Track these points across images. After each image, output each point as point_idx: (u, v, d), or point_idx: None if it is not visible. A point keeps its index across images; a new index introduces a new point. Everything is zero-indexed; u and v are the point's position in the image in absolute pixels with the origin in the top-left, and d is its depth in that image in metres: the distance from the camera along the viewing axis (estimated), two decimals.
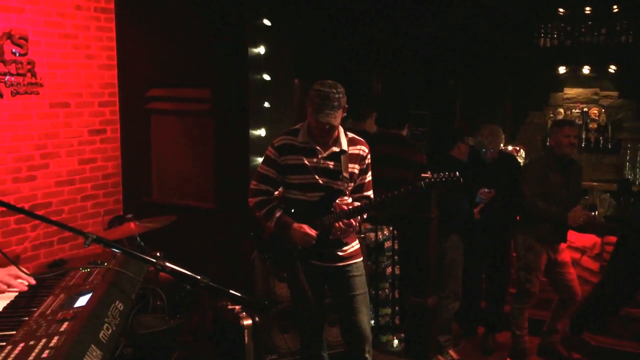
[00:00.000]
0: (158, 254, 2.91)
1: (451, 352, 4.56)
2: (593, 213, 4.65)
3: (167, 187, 5.31)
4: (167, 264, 2.04)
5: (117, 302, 2.04)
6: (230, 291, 2.07)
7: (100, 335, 1.78)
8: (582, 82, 6.57)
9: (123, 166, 5.42)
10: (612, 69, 6.29)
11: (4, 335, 1.83)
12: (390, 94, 7.12)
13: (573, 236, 4.60)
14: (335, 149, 3.17)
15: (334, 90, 3.00)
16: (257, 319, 3.80)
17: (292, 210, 3.24)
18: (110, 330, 1.85)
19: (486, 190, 4.60)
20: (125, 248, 2.08)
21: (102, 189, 5.27)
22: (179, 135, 5.18)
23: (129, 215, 3.91)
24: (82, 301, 2.01)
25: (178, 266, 2.13)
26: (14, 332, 1.84)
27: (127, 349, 2.03)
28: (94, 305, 1.96)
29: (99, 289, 2.12)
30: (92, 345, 1.70)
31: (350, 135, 3.25)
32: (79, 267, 2.42)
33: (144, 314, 2.42)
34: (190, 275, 2.05)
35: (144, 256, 2.07)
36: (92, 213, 5.17)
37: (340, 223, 3.11)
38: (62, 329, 1.78)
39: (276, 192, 3.37)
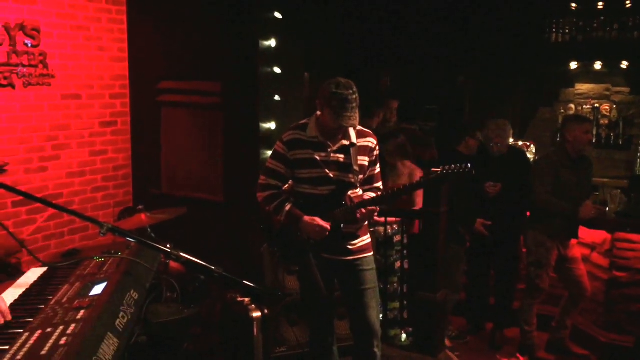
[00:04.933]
0: (168, 245, 2.91)
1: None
2: (606, 208, 4.64)
3: (177, 180, 5.32)
4: (182, 254, 2.04)
5: (132, 291, 2.05)
6: (245, 282, 2.07)
7: (117, 324, 1.80)
8: (593, 77, 6.53)
9: (133, 158, 5.45)
10: (624, 64, 6.24)
11: (21, 322, 1.85)
12: (400, 88, 7.11)
13: (583, 232, 4.58)
14: (345, 142, 3.16)
15: (351, 92, 2.98)
16: (266, 311, 3.80)
17: (303, 204, 3.23)
18: (126, 319, 1.86)
19: (491, 183, 4.60)
20: (140, 238, 2.09)
21: (113, 180, 5.30)
22: (189, 127, 5.19)
23: (140, 207, 3.92)
24: (98, 290, 2.02)
25: (191, 257, 2.13)
26: (31, 320, 1.85)
27: (142, 338, 2.04)
28: (109, 294, 1.98)
29: (114, 278, 2.13)
30: (109, 333, 1.71)
31: (359, 127, 3.24)
32: (94, 256, 2.43)
33: (158, 303, 2.43)
34: (205, 265, 2.05)
35: (159, 246, 2.08)
36: (102, 204, 5.20)
37: (363, 209, 3.09)
38: (78, 317, 1.79)
39: (285, 186, 3.37)
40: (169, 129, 5.29)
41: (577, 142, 4.32)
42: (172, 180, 5.36)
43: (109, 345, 1.65)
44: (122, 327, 1.80)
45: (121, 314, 1.86)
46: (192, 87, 5.12)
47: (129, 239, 2.16)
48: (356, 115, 3.02)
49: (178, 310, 2.30)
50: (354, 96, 2.98)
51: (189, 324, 2.58)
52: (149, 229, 3.86)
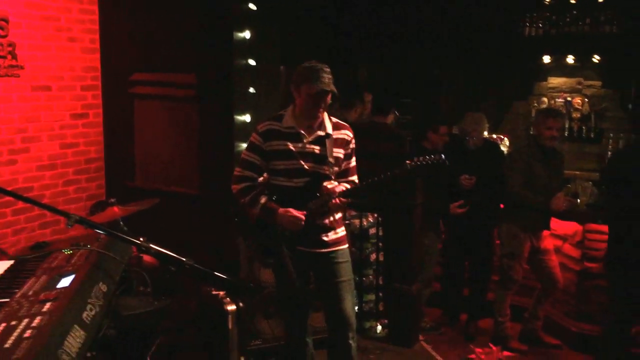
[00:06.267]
0: (141, 239, 2.88)
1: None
2: (577, 200, 4.70)
3: (151, 173, 5.26)
4: (152, 246, 2.02)
5: (101, 284, 2.02)
6: (215, 273, 2.05)
7: (84, 316, 1.77)
8: (566, 71, 6.60)
9: (106, 151, 5.37)
10: (596, 58, 6.33)
11: None
12: (376, 81, 7.11)
13: (555, 224, 4.64)
14: (321, 133, 3.15)
15: (325, 65, 3.04)
16: (240, 304, 3.79)
17: (278, 197, 3.21)
18: (93, 312, 1.83)
19: (467, 176, 4.63)
20: (109, 229, 2.05)
21: (85, 173, 5.22)
22: (162, 120, 5.13)
23: (112, 200, 3.86)
24: (65, 282, 1.99)
25: (161, 249, 2.11)
26: None
27: (110, 330, 2.01)
28: (77, 286, 1.94)
29: (82, 271, 2.09)
30: (75, 326, 1.68)
31: (335, 120, 3.24)
32: (62, 248, 2.39)
33: (128, 296, 2.39)
34: (175, 257, 2.03)
35: (129, 238, 2.05)
36: (74, 198, 5.12)
37: (337, 200, 3.09)
38: (44, 310, 1.76)
39: (260, 179, 3.35)
40: (142, 121, 5.23)
41: (540, 136, 4.40)
42: (146, 173, 5.30)
43: (75, 338, 1.62)
44: (89, 319, 1.77)
45: (89, 306, 1.83)
46: (165, 79, 5.05)
47: (97, 231, 2.12)
48: (333, 86, 3.02)
49: (149, 303, 2.27)
50: (328, 69, 3.03)
51: (161, 316, 2.55)
52: (121, 222, 3.81)
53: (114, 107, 5.28)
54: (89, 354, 1.89)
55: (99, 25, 5.20)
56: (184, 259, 2.03)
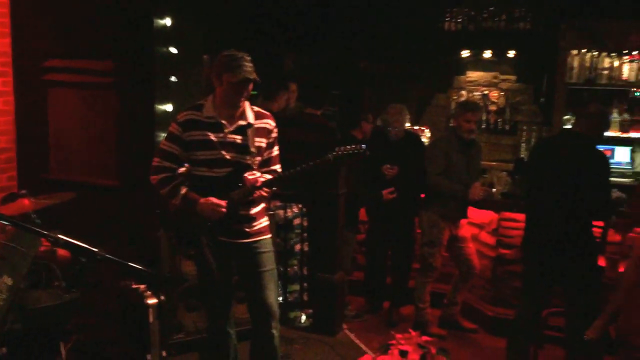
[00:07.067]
0: (55, 232, 2.76)
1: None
2: (493, 190, 4.90)
3: (67, 163, 5.04)
4: (61, 237, 1.93)
5: (5, 277, 1.93)
6: (130, 264, 2.00)
7: None
8: (483, 66, 6.85)
9: (17, 141, 5.09)
10: (511, 53, 6.60)
11: None
12: (305, 72, 7.13)
13: (472, 212, 4.82)
14: (242, 123, 3.14)
15: (246, 54, 3.03)
16: (162, 297, 3.71)
17: (200, 187, 3.16)
18: None
19: (389, 166, 4.74)
20: (13, 220, 1.95)
21: None
22: (79, 108, 4.92)
23: (23, 191, 3.68)
24: None
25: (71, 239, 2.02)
26: None
27: (16, 325, 1.91)
28: None
29: None
30: None
31: (256, 109, 3.23)
32: None
33: (37, 289, 2.29)
34: (86, 248, 1.95)
35: (35, 228, 1.95)
36: None
37: (261, 191, 3.08)
38: None
39: (182, 169, 3.29)
40: (57, 110, 4.99)
41: (459, 128, 4.56)
42: (62, 164, 5.07)
43: None
44: None
45: None
46: (82, 66, 4.83)
47: (2, 222, 2.01)
48: (255, 74, 3.01)
49: (57, 296, 2.17)
50: (249, 58, 3.02)
51: (71, 310, 2.45)
52: (32, 215, 3.63)
53: (26, 94, 5.01)
54: None
55: (10, 8, 4.91)
56: (96, 250, 1.96)
